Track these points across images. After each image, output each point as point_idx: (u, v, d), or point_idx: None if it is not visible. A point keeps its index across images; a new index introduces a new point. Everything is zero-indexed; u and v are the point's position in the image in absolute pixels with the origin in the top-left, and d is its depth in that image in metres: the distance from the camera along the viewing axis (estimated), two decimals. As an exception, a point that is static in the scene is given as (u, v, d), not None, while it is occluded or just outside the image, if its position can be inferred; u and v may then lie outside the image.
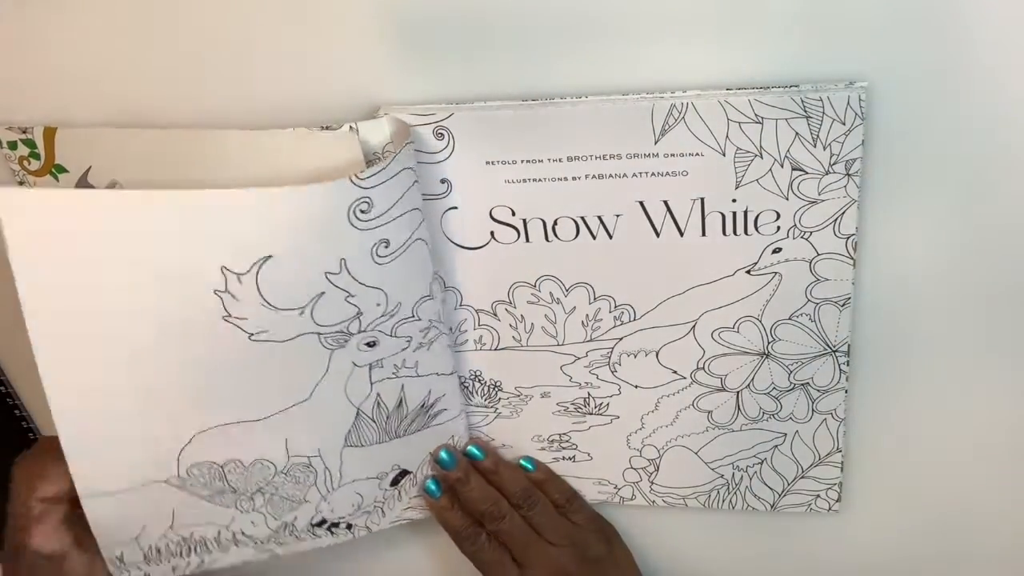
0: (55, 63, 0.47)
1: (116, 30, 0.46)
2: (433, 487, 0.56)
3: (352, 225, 0.43)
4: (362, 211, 0.42)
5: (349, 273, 0.44)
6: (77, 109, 0.48)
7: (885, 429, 0.53)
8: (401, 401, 0.51)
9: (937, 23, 0.39)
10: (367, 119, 0.45)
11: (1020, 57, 0.40)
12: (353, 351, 0.48)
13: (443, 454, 0.55)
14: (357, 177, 0.42)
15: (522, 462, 0.57)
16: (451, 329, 0.53)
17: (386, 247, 0.44)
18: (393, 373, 0.50)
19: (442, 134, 0.45)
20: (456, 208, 0.47)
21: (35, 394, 0.63)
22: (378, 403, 0.51)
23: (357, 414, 0.51)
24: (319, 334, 0.46)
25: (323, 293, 0.44)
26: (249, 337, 0.45)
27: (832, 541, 0.59)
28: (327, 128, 0.45)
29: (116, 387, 0.46)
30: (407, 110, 0.45)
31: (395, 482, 0.56)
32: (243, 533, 0.55)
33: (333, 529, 0.57)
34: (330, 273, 0.44)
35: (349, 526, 0.57)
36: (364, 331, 0.47)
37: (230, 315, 0.44)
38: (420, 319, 0.48)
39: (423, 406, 0.53)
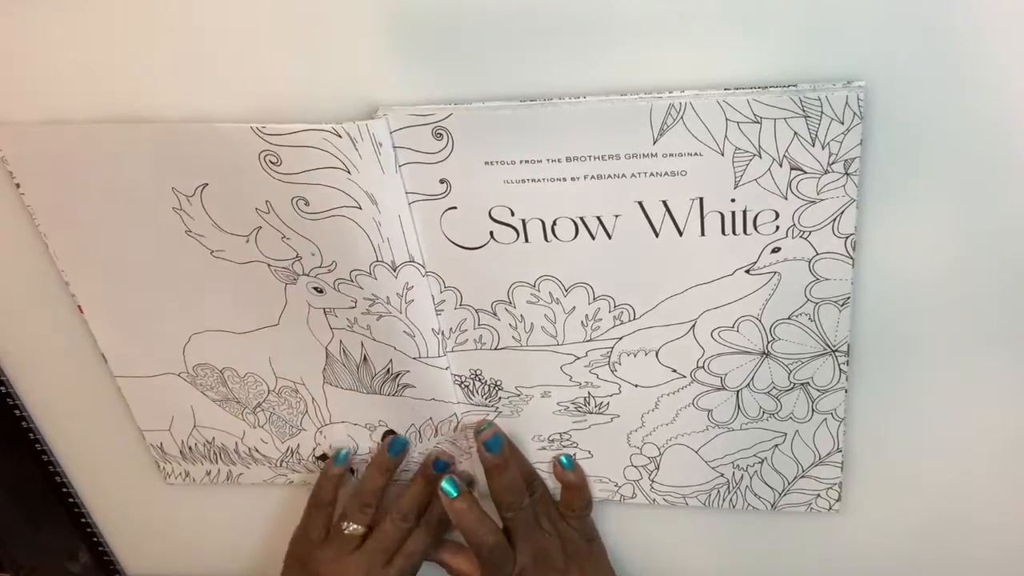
0: (51, 63, 0.47)
1: (115, 30, 0.46)
2: (450, 488, 0.55)
3: (265, 171, 0.47)
4: (272, 161, 0.46)
5: (277, 215, 0.49)
6: (73, 109, 0.48)
7: (885, 429, 0.53)
8: (366, 357, 0.54)
9: (935, 22, 0.39)
10: (366, 119, 0.45)
11: (1019, 55, 0.40)
12: (304, 291, 0.52)
13: (491, 440, 0.54)
14: (257, 128, 0.45)
15: (562, 459, 0.57)
16: (442, 332, 0.53)
17: (306, 204, 0.47)
18: (348, 326, 0.53)
19: (441, 134, 0.45)
20: (455, 208, 0.47)
21: (35, 394, 0.63)
22: (344, 351, 0.55)
23: (327, 355, 0.55)
24: (269, 264, 0.51)
25: (260, 227, 0.50)
26: (211, 253, 0.52)
27: (832, 541, 0.59)
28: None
29: (122, 288, 0.55)
30: (406, 110, 0.45)
31: (385, 440, 0.59)
32: (257, 451, 0.62)
33: None
34: (260, 210, 0.49)
35: (352, 470, 0.62)
36: (308, 275, 0.51)
37: (191, 231, 0.51)
38: (362, 288, 0.50)
39: (388, 371, 0.54)
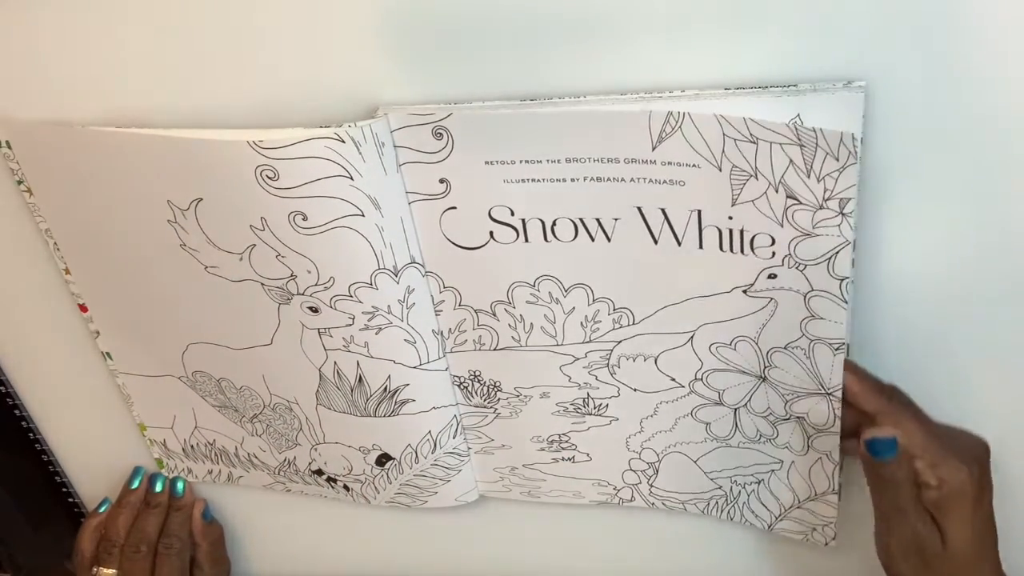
0: (55, 63, 0.48)
1: (115, 30, 0.46)
2: (884, 449, 0.45)
3: (262, 187, 0.45)
4: (269, 177, 0.45)
5: (272, 232, 0.47)
6: (76, 109, 0.49)
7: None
8: (361, 378, 0.53)
9: (936, 22, 0.39)
10: (366, 119, 0.45)
11: (1019, 55, 0.40)
12: (298, 311, 0.51)
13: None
14: (255, 143, 0.44)
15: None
16: (442, 332, 0.53)
17: (304, 219, 0.46)
18: (344, 346, 0.52)
19: (441, 134, 0.45)
20: (455, 208, 0.47)
21: (35, 394, 0.63)
22: (338, 372, 0.54)
23: (320, 377, 0.54)
24: (262, 284, 0.50)
25: (254, 245, 0.48)
26: (205, 269, 0.51)
27: (831, 551, 0.58)
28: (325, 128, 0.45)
29: (123, 290, 0.55)
30: (406, 110, 0.45)
31: (380, 463, 0.58)
32: (256, 457, 0.62)
33: (332, 483, 0.62)
34: (255, 227, 0.47)
35: (346, 487, 0.62)
36: (303, 294, 0.50)
37: (185, 244, 0.50)
38: (361, 302, 0.50)
39: (386, 390, 0.54)
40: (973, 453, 0.47)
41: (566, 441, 0.57)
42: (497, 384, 0.55)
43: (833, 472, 0.52)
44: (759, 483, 0.55)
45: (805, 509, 0.55)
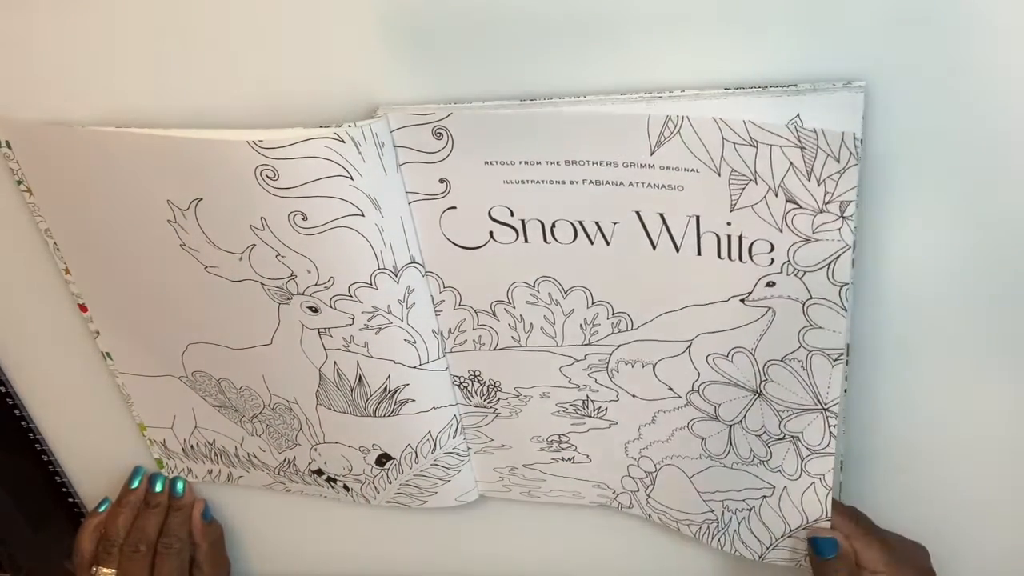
0: (55, 63, 0.48)
1: (115, 30, 0.46)
2: (826, 548, 0.52)
3: (262, 187, 0.45)
4: (269, 176, 0.45)
5: (272, 232, 0.47)
6: (76, 109, 0.49)
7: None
8: (361, 378, 0.53)
9: (937, 22, 0.39)
10: (366, 119, 0.45)
11: (1020, 55, 0.40)
12: (298, 310, 0.51)
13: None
14: (255, 143, 0.44)
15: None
16: (442, 332, 0.53)
17: (304, 219, 0.46)
18: (344, 346, 0.52)
19: (441, 133, 0.45)
20: (455, 208, 0.47)
21: (35, 394, 0.63)
22: (338, 372, 0.54)
23: (320, 377, 0.54)
24: (262, 284, 0.50)
25: (254, 245, 0.48)
26: (205, 269, 0.51)
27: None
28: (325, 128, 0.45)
29: (123, 290, 0.55)
30: (406, 110, 0.45)
31: (380, 463, 0.58)
32: (256, 457, 0.62)
33: (332, 483, 0.62)
34: (255, 227, 0.47)
35: (346, 487, 0.62)
36: (303, 294, 0.50)
37: (184, 244, 0.50)
38: (361, 302, 0.50)
39: (385, 389, 0.54)
40: (921, 564, 0.52)
41: (566, 442, 0.57)
42: (497, 384, 0.54)
43: (826, 498, 0.51)
44: (750, 511, 0.54)
45: (796, 538, 0.54)
